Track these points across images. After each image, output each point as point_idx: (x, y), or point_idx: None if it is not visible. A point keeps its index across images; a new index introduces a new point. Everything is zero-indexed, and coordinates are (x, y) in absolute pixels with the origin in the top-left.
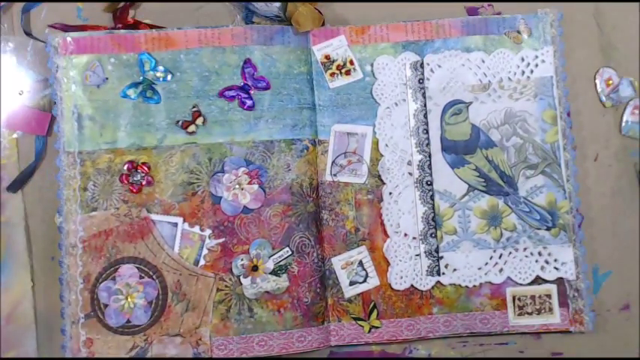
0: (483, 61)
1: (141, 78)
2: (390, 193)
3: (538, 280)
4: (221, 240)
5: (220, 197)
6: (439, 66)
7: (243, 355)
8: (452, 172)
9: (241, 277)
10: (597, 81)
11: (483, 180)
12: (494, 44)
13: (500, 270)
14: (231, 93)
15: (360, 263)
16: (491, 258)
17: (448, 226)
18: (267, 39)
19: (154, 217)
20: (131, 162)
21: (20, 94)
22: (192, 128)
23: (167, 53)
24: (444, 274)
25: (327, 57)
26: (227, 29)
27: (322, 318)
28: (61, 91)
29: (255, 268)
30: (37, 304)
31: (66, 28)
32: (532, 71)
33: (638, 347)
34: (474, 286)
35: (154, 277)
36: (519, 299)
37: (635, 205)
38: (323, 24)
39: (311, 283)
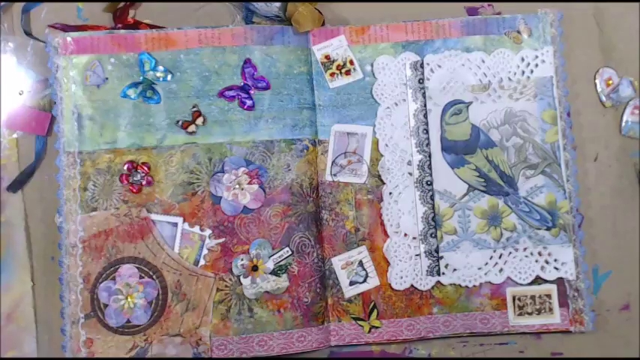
0: (483, 61)
1: (141, 78)
2: (390, 193)
3: (538, 280)
4: (221, 240)
5: (220, 197)
6: (439, 66)
7: (243, 355)
8: (452, 172)
9: (241, 277)
10: (597, 81)
11: (483, 180)
12: (494, 44)
13: (500, 270)
14: (231, 93)
15: (360, 263)
16: (491, 258)
17: (448, 226)
18: (267, 39)
19: (154, 217)
20: (131, 162)
21: (20, 94)
22: (192, 128)
23: (167, 53)
24: (443, 274)
25: (327, 57)
26: (227, 29)
27: (322, 318)
28: (61, 91)
29: (255, 268)
30: (37, 304)
31: (66, 28)
32: (532, 71)
33: (638, 347)
34: (474, 286)
35: (154, 277)
36: (519, 299)
37: (635, 205)
38: (323, 24)
39: (311, 283)
